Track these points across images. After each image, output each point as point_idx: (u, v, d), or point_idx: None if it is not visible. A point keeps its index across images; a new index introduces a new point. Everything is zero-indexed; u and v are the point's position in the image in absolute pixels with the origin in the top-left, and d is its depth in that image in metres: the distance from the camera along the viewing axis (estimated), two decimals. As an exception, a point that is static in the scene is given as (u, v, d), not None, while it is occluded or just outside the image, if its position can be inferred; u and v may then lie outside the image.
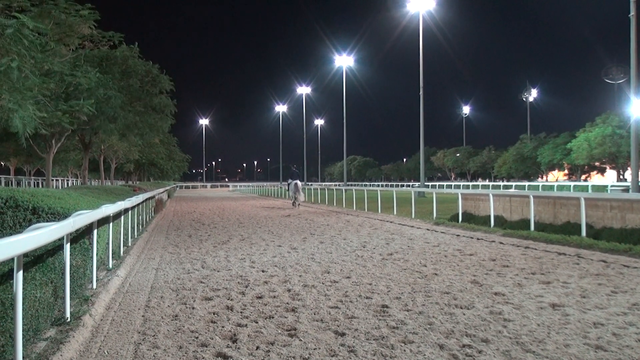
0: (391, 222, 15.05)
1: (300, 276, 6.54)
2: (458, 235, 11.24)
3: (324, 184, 77.29)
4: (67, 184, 38.25)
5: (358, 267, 7.18)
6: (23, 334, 3.15)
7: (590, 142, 49.61)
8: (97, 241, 5.79)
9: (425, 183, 46.79)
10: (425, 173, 48.82)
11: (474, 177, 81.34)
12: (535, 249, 8.85)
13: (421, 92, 32.44)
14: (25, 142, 12.23)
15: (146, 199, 14.04)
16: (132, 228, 10.58)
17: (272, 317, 4.56)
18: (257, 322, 4.40)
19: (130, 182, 42.58)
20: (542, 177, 64.65)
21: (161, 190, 24.93)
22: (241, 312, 4.75)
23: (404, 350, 3.67)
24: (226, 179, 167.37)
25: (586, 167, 55.62)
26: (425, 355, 3.57)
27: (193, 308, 4.92)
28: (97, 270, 5.90)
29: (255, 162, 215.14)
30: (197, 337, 4.00)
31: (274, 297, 5.38)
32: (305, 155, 70.23)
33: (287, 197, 26.59)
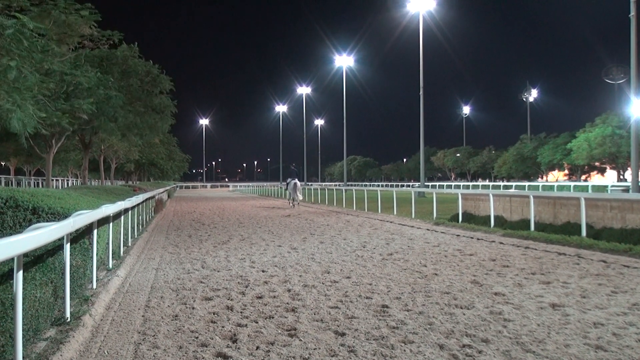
0: (391, 222, 15.05)
1: (300, 276, 6.54)
2: (458, 236, 11.24)
3: (324, 184, 77.32)
4: (67, 184, 38.25)
5: (358, 267, 7.18)
6: (23, 334, 3.15)
7: (590, 142, 49.61)
8: (97, 241, 5.79)
9: (425, 183, 46.77)
10: (425, 173, 48.82)
11: (474, 177, 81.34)
12: (536, 249, 8.85)
13: (421, 92, 32.45)
14: (25, 142, 12.23)
15: (146, 199, 14.04)
16: (132, 228, 10.58)
17: (272, 317, 4.56)
18: (257, 322, 4.40)
19: (130, 182, 42.60)
20: (542, 177, 64.64)
21: (161, 190, 24.93)
22: (241, 312, 4.75)
23: (404, 350, 3.66)
24: (226, 179, 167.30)
25: (586, 167, 55.62)
26: (425, 355, 3.57)
27: (193, 308, 4.92)
28: (97, 270, 5.90)
29: (255, 162, 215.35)
30: (197, 337, 4.00)
31: (274, 297, 5.38)
32: (305, 155, 70.24)
33: (286, 197, 26.55)
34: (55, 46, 11.66)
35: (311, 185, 48.61)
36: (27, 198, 5.58)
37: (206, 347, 3.78)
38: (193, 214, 20.03)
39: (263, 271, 6.93)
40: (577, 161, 52.51)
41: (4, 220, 5.20)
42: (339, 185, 56.44)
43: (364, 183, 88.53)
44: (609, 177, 53.94)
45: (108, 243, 6.99)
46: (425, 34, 33.08)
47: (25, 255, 3.53)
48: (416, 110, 48.64)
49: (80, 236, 5.28)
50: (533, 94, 75.75)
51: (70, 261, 4.45)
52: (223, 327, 4.28)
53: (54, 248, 4.37)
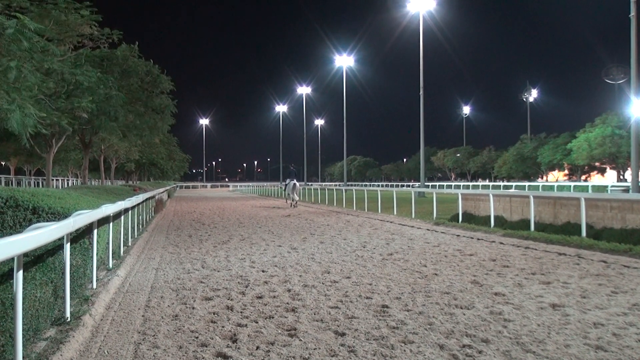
0: (391, 222, 15.05)
1: (300, 276, 6.54)
2: (458, 236, 11.24)
3: (324, 184, 77.32)
4: (68, 183, 38.24)
5: (358, 267, 7.18)
6: (23, 334, 3.15)
7: (590, 142, 49.62)
8: (97, 241, 5.79)
9: (426, 183, 46.77)
10: (426, 173, 48.77)
11: (474, 177, 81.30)
12: (536, 249, 8.85)
13: (421, 92, 32.46)
14: (27, 142, 12.22)
15: (146, 199, 14.04)
16: (132, 228, 10.58)
17: (272, 317, 4.56)
18: (257, 322, 4.40)
19: (130, 182, 42.57)
20: (542, 178, 64.63)
21: (161, 190, 24.94)
22: (241, 312, 4.75)
23: (404, 351, 3.66)
24: (226, 179, 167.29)
25: (586, 167, 55.61)
26: (425, 355, 3.57)
27: (193, 308, 4.92)
28: (97, 270, 5.90)
29: (256, 162, 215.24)
30: (197, 337, 4.00)
31: (274, 297, 5.38)
32: (306, 155, 70.26)
33: (285, 196, 26.54)
34: (55, 46, 11.65)
35: (311, 185, 48.61)
36: (27, 198, 5.57)
37: (206, 347, 3.78)
38: (193, 213, 20.03)
39: (263, 271, 6.93)
40: (577, 161, 52.52)
41: (4, 220, 5.20)
42: (339, 185, 56.43)
43: (364, 183, 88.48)
44: (609, 178, 53.93)
45: (108, 243, 6.99)
46: (426, 34, 33.14)
47: (26, 255, 3.53)
48: (416, 110, 48.66)
49: (80, 236, 5.28)
50: (533, 94, 75.75)
51: (71, 261, 4.45)
52: (223, 327, 4.28)
53: (54, 248, 4.37)
